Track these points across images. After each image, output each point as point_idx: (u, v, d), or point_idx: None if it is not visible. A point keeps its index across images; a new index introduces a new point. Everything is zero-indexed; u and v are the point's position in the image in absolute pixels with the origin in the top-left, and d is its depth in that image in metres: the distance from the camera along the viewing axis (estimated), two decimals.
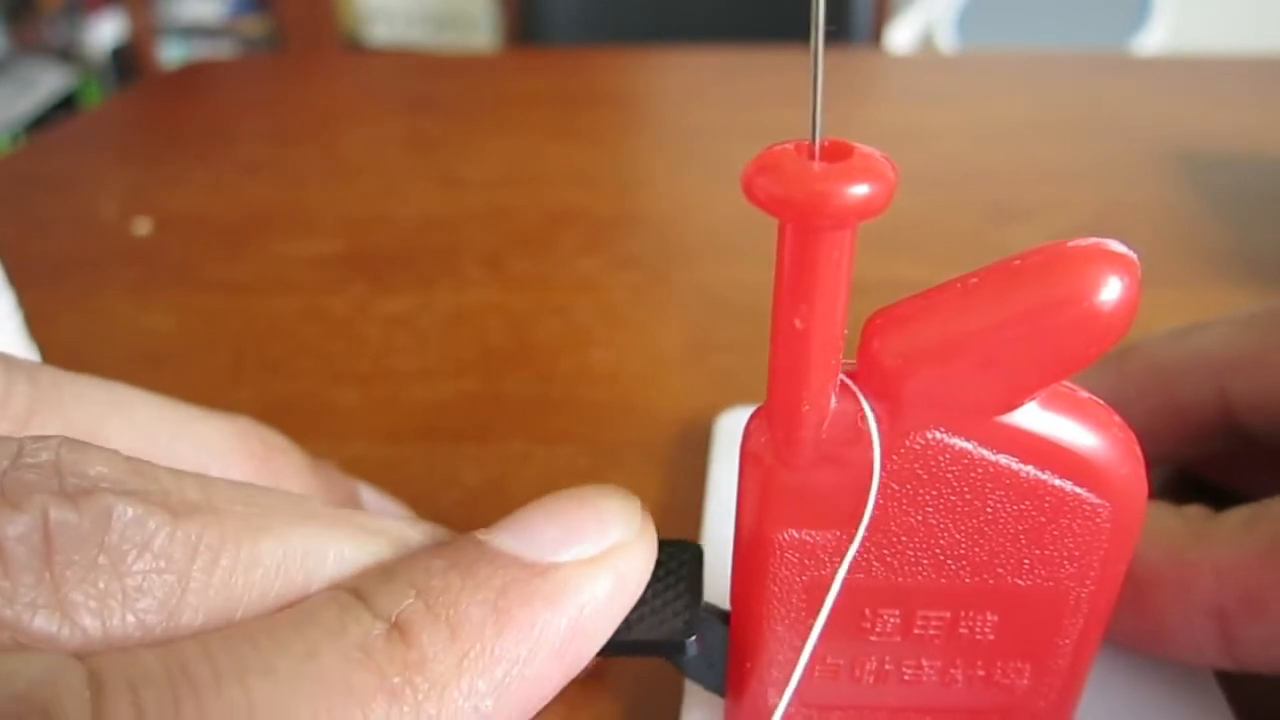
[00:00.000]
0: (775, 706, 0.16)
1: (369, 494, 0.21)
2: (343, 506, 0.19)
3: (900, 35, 1.43)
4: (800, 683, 0.16)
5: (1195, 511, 0.17)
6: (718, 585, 0.16)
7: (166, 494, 0.12)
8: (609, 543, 0.13)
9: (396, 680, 0.11)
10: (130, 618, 0.11)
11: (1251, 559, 0.16)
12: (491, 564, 0.13)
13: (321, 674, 0.11)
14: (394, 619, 0.12)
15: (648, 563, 0.14)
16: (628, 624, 0.14)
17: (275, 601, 0.12)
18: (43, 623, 0.10)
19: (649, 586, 0.15)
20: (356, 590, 0.12)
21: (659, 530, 0.14)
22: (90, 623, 0.11)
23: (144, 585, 0.11)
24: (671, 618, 0.15)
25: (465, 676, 0.12)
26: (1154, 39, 1.39)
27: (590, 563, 0.13)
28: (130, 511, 0.11)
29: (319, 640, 0.11)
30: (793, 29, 0.96)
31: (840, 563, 0.14)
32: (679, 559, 0.16)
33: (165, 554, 0.11)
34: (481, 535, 0.13)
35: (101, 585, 0.11)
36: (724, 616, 0.16)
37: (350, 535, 0.13)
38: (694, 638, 0.15)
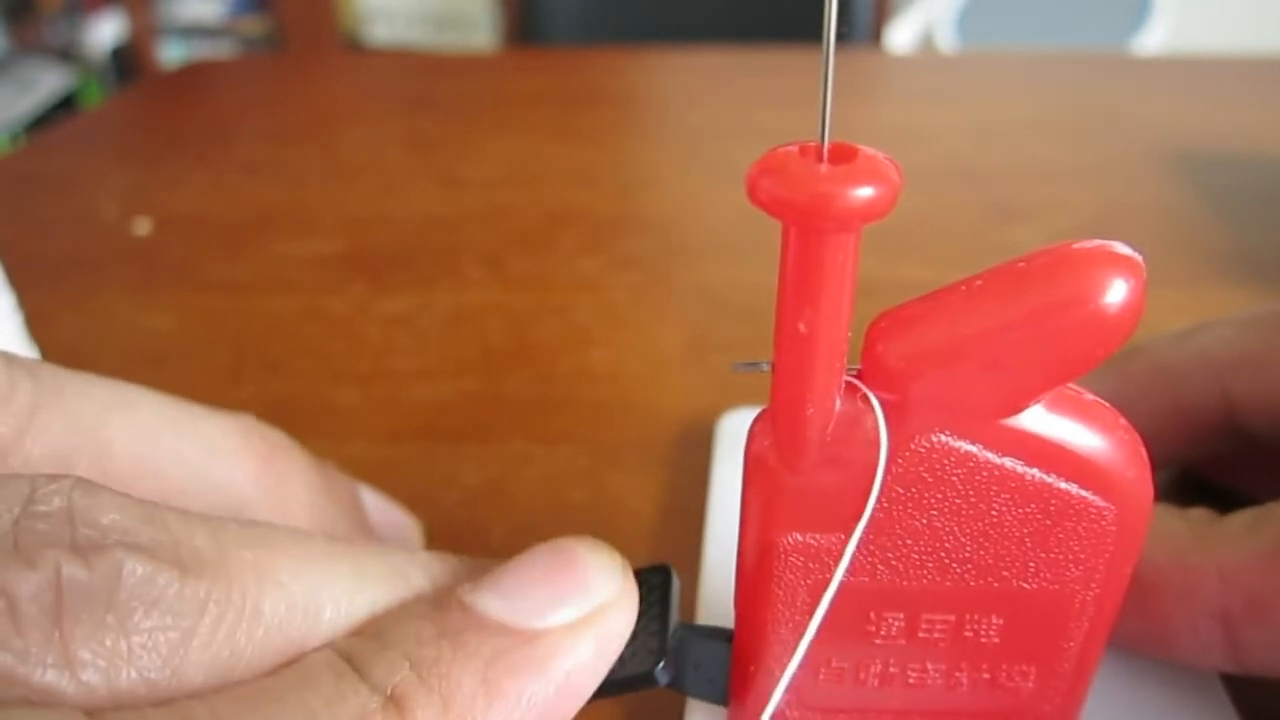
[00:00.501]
0: (779, 710, 0.16)
1: (369, 495, 0.21)
2: (344, 509, 0.19)
3: (900, 35, 1.43)
4: (805, 686, 0.16)
5: (1199, 514, 0.17)
6: (722, 589, 0.16)
7: (177, 545, 0.12)
8: (593, 605, 0.14)
9: None
10: (135, 674, 0.11)
11: (1255, 562, 0.16)
12: (479, 632, 0.13)
13: None
14: (389, 691, 0.12)
15: (629, 620, 0.14)
16: None
17: (275, 657, 0.12)
18: (52, 680, 0.10)
19: None
20: (352, 658, 0.12)
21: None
22: (97, 680, 0.11)
23: (150, 643, 0.11)
24: (640, 649, 0.15)
25: None
26: (1154, 39, 1.39)
27: (575, 627, 0.13)
28: (140, 570, 0.11)
29: (319, 710, 0.12)
30: (793, 29, 0.96)
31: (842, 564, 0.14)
32: (647, 585, 0.16)
33: (173, 611, 0.11)
34: (468, 597, 0.13)
35: (108, 643, 0.11)
36: (715, 633, 0.16)
37: (350, 582, 0.13)
38: (662, 664, 0.15)
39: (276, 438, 0.18)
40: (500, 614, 0.13)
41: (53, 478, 0.12)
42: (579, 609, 0.14)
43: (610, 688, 0.15)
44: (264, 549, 0.13)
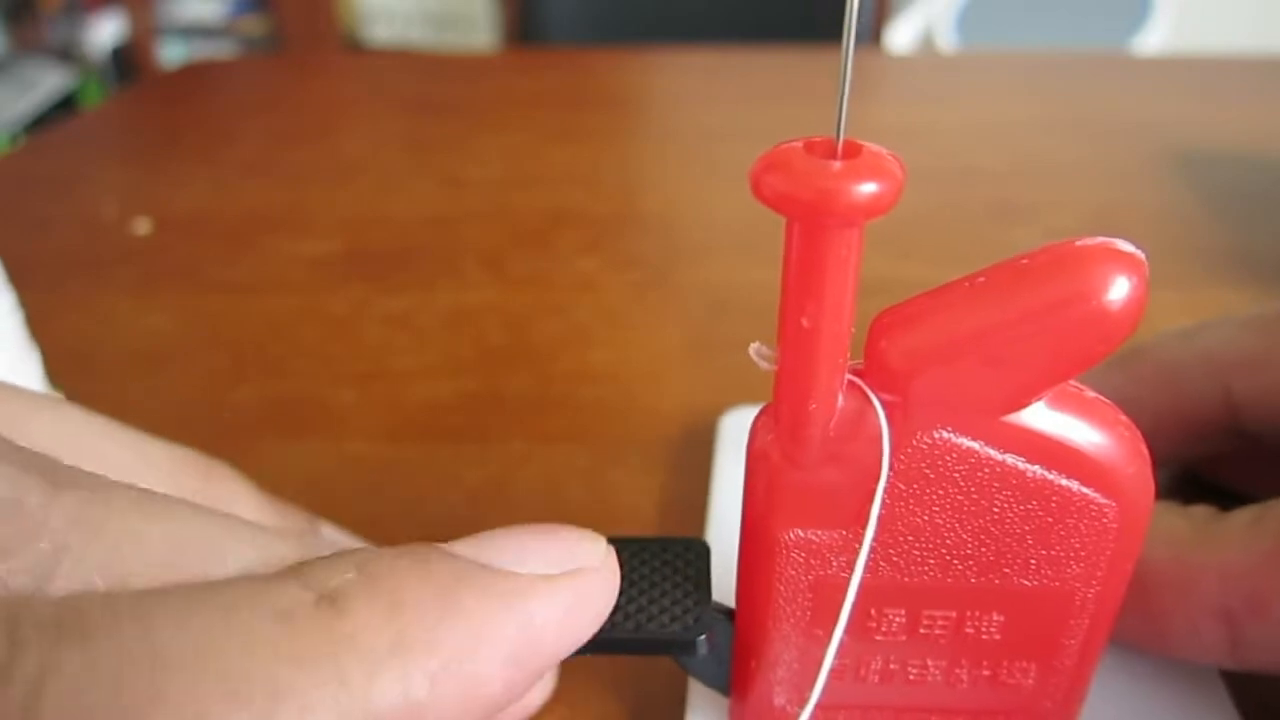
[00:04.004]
0: (780, 706, 0.16)
1: (331, 532, 0.20)
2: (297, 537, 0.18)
3: (900, 35, 1.43)
4: (806, 683, 0.16)
5: (1201, 512, 0.17)
6: (723, 584, 0.16)
7: (54, 469, 0.11)
8: (571, 565, 0.13)
9: (323, 652, 0.10)
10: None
11: (1257, 560, 0.16)
12: (445, 559, 0.12)
13: (237, 631, 0.10)
14: (327, 591, 0.11)
15: (609, 592, 0.14)
16: (637, 623, 0.14)
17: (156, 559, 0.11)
18: None
19: (659, 584, 0.15)
20: (284, 563, 0.11)
21: (658, 531, 0.14)
22: None
23: (13, 548, 0.10)
24: (681, 615, 0.15)
25: (399, 657, 0.11)
26: (1154, 39, 1.39)
27: (551, 578, 0.13)
28: (5, 470, 0.10)
29: (237, 600, 0.10)
30: (793, 29, 0.96)
31: (846, 561, 0.14)
32: (686, 557, 0.16)
33: (39, 520, 0.10)
34: (442, 546, 0.13)
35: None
36: (730, 614, 0.16)
37: (250, 539, 0.12)
38: (704, 636, 0.15)
39: (218, 465, 0.17)
40: (473, 555, 0.12)
41: None
42: (556, 567, 0.13)
43: (649, 645, 0.15)
44: (152, 496, 0.11)
